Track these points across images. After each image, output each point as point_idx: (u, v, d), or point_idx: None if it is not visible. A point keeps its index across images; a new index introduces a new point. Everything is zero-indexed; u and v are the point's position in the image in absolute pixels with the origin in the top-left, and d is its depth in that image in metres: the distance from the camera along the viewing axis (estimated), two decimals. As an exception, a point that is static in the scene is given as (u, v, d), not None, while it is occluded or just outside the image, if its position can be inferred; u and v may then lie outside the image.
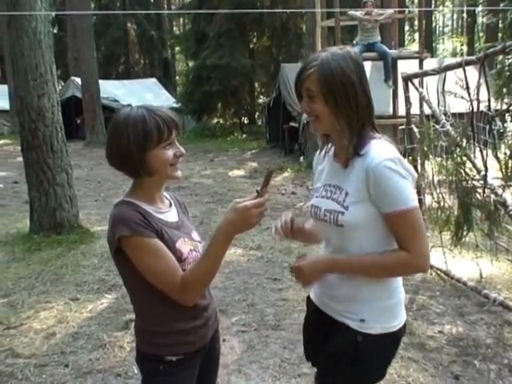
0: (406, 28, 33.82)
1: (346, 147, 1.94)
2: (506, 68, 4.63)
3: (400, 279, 2.08)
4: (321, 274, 2.02)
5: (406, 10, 18.45)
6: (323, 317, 2.12)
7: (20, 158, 7.85)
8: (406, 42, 32.96)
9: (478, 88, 4.49)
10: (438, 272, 5.57)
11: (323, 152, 2.15)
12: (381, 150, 1.88)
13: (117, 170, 1.97)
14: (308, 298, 2.29)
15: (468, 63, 4.56)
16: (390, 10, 11.81)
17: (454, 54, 39.23)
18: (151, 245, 1.84)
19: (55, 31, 31.25)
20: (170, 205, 2.10)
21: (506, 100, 5.14)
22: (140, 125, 1.85)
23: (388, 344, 2.02)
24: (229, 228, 1.80)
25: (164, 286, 1.86)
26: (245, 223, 1.79)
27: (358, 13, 11.35)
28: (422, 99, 5.65)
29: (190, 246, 1.99)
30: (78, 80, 21.36)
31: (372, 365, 2.00)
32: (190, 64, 30.29)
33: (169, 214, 2.03)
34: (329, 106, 1.89)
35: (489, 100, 4.52)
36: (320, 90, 1.89)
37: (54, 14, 28.59)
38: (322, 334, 2.12)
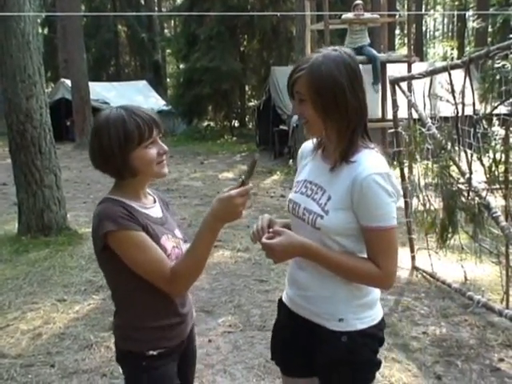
0: (398, 32, 33.92)
1: (334, 151, 1.92)
2: (490, 72, 4.67)
3: None
4: (292, 257, 1.98)
5: (397, 14, 18.53)
6: (298, 320, 2.08)
7: (8, 160, 7.83)
8: (397, 46, 33.07)
9: (462, 92, 4.54)
10: (424, 274, 5.63)
11: (312, 147, 2.10)
12: (372, 162, 1.85)
13: (102, 173, 1.97)
14: (280, 300, 2.23)
15: (454, 67, 4.60)
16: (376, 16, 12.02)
17: (444, 58, 39.12)
18: (138, 237, 1.85)
19: (45, 33, 31.14)
20: (154, 201, 2.11)
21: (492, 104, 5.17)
22: (120, 126, 1.86)
23: (372, 337, 1.99)
24: (215, 219, 1.81)
25: (153, 276, 1.87)
26: (230, 212, 1.79)
27: (349, 14, 11.43)
28: (409, 103, 5.69)
29: (173, 242, 2.01)
30: (68, 82, 21.22)
31: (364, 360, 1.97)
32: (181, 66, 30.26)
33: (153, 210, 2.05)
34: (317, 111, 1.86)
35: (473, 104, 4.57)
36: (308, 94, 1.85)
37: (44, 15, 28.54)
38: (300, 343, 2.09)
